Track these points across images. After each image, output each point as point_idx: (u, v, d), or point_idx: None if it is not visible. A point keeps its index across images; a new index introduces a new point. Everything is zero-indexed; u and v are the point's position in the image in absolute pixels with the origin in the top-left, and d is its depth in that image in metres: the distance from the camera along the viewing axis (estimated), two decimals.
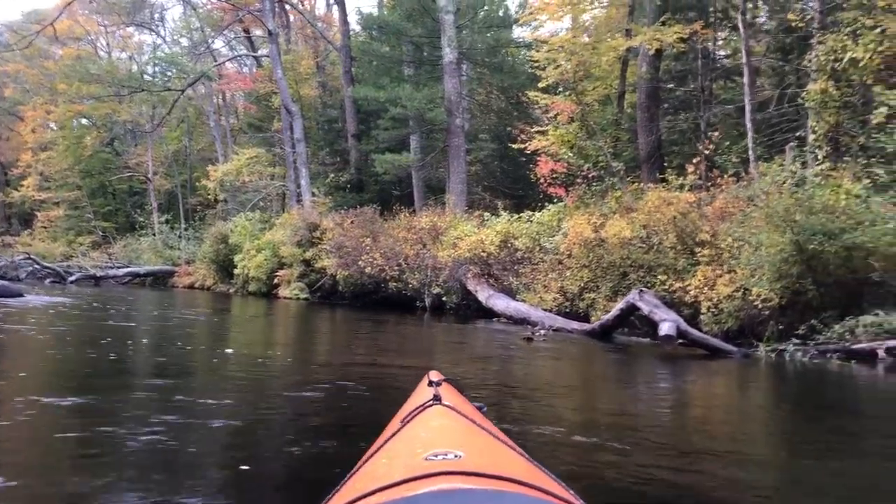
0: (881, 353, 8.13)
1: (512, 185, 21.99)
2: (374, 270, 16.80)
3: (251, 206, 25.81)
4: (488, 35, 21.33)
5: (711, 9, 18.14)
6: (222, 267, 24.41)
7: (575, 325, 11.28)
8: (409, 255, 16.61)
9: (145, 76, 37.33)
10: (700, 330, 10.94)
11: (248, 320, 14.78)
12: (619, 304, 10.11)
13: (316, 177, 24.71)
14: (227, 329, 12.35)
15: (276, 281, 21.14)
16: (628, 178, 14.86)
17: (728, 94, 18.98)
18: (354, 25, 26.18)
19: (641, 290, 9.75)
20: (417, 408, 1.88)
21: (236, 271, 22.92)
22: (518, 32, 22.54)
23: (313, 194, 22.17)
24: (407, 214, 18.52)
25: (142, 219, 35.11)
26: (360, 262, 16.97)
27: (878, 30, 11.00)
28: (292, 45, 29.14)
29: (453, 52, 19.48)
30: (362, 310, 16.60)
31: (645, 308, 9.40)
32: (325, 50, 29.27)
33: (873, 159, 10.61)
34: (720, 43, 19.87)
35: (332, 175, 24.05)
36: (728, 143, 13.58)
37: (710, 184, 12.76)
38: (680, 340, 9.00)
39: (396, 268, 16.58)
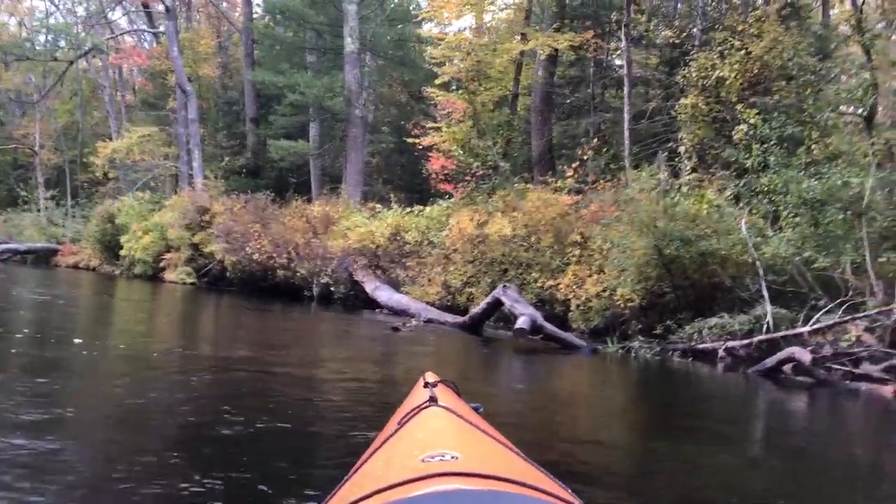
0: (721, 352, 8.75)
1: (410, 179, 22.16)
2: (261, 257, 16.62)
3: (141, 186, 24.95)
4: (393, 28, 21.39)
5: (607, 20, 18.85)
6: (108, 247, 23.54)
7: (448, 317, 11.59)
8: (300, 244, 16.52)
9: (35, 44, 35.26)
10: (570, 326, 11.49)
11: (122, 304, 14.37)
12: (487, 299, 10.46)
13: (212, 159, 24.16)
14: (94, 314, 11.95)
15: (162, 264, 20.57)
16: (516, 179, 15.27)
17: (618, 102, 19.78)
18: (259, 8, 25.72)
19: (505, 286, 10.16)
20: (414, 409, 1.87)
21: (122, 252, 22.16)
22: (428, 27, 22.74)
23: (206, 177, 21.64)
24: (301, 202, 18.38)
25: (25, 193, 33.26)
26: (247, 249, 16.75)
27: (743, 51, 11.77)
28: (194, 23, 28.30)
29: (355, 43, 19.44)
30: (249, 297, 16.40)
31: (507, 302, 9.80)
32: (227, 30, 28.57)
33: (728, 172, 11.35)
34: (618, 53, 20.68)
35: (229, 158, 23.56)
36: (606, 149, 14.20)
37: (587, 188, 13.31)
38: (540, 335, 9.41)
39: (285, 256, 16.45)
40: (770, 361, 7.79)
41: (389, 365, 7.63)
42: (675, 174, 13.21)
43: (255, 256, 16.68)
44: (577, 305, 11.47)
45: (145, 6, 26.78)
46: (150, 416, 4.36)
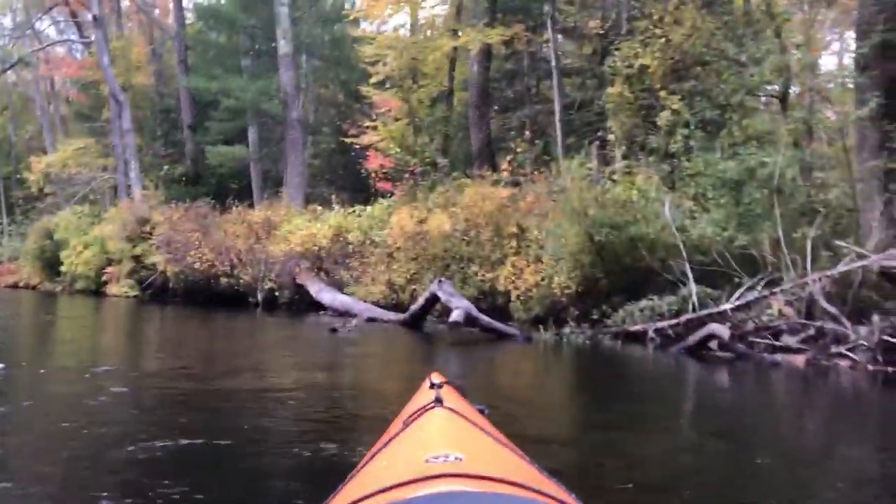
0: (651, 333, 9.01)
1: (353, 179, 22.13)
2: (203, 266, 16.45)
3: (79, 200, 24.42)
4: (327, 28, 21.30)
5: (539, 12, 19.09)
6: (48, 264, 23.05)
7: (391, 315, 11.68)
8: (242, 251, 16.40)
9: None
10: (512, 316, 11.69)
11: (63, 322, 14.08)
12: (425, 294, 10.58)
13: (151, 168, 23.75)
14: (32, 334, 11.70)
15: (104, 278, 20.22)
16: (455, 174, 15.40)
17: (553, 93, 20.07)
18: (191, 13, 25.32)
19: (440, 281, 10.29)
20: (419, 410, 1.87)
21: (63, 269, 21.72)
22: (365, 26, 22.70)
23: (145, 187, 21.29)
24: (242, 208, 18.23)
25: None
26: (188, 258, 16.57)
27: (664, 39, 12.08)
28: (125, 31, 27.74)
29: (289, 45, 19.33)
30: (194, 307, 16.21)
31: (443, 297, 9.95)
32: (161, 37, 28.08)
33: (656, 158, 11.66)
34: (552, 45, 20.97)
35: (168, 167, 23.21)
36: (539, 141, 14.43)
37: (523, 180, 13.50)
38: (476, 327, 9.58)
39: (228, 263, 16.32)
40: (692, 339, 8.07)
41: (330, 370, 7.59)
42: (607, 162, 13.49)
43: (197, 265, 16.52)
44: (518, 296, 11.66)
45: (73, 15, 26.24)
46: (86, 439, 4.11)
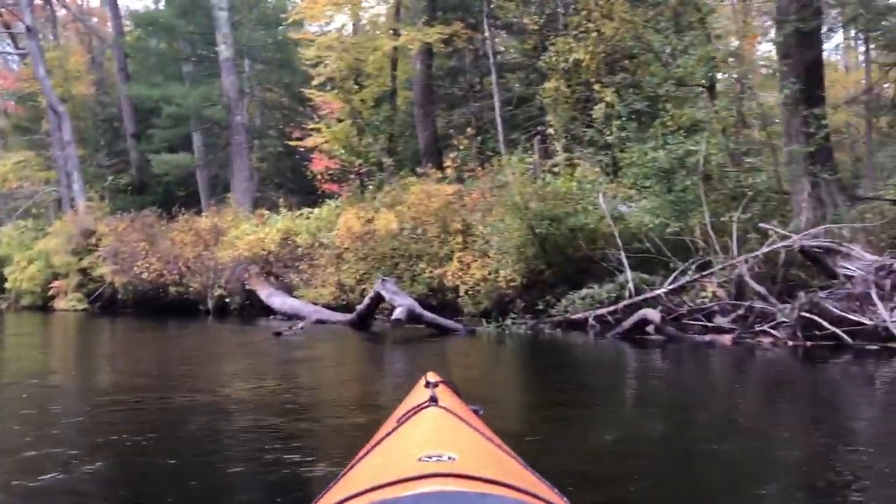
0: (591, 321, 9.26)
1: (301, 182, 22.04)
2: (151, 276, 16.29)
3: (22, 214, 23.87)
4: (269, 31, 21.17)
5: (479, 10, 19.26)
6: None
7: (339, 316, 11.77)
8: (190, 258, 16.28)
9: None
10: (461, 311, 11.88)
11: (6, 339, 13.80)
12: (370, 294, 10.69)
13: (95, 179, 23.32)
14: None
15: (51, 293, 19.82)
16: (402, 173, 15.51)
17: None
18: (129, 21, 24.91)
19: (383, 279, 10.41)
20: (413, 408, 1.86)
21: (7, 285, 21.22)
22: (309, 28, 22.59)
23: (90, 198, 20.93)
24: (188, 215, 18.06)
25: None
26: (135, 268, 16.39)
27: (596, 33, 12.36)
28: (62, 40, 27.15)
29: (230, 49, 19.19)
30: (144, 318, 16.02)
31: (386, 295, 10.06)
32: (100, 45, 27.56)
33: (594, 149, 11.94)
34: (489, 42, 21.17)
35: (112, 177, 22.83)
36: (481, 137, 14.61)
37: (467, 176, 13.67)
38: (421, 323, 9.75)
39: (176, 272, 16.19)
40: (626, 324, 8.34)
41: (277, 377, 7.44)
42: (549, 156, 13.75)
43: (145, 275, 16.35)
44: (466, 290, 11.86)
45: (6, 27, 25.52)
46: (24, 461, 3.88)
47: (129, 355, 10.17)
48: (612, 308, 9.09)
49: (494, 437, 1.81)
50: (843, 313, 7.08)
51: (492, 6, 14.79)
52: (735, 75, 12.22)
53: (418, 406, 1.86)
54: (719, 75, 13.76)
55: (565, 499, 1.44)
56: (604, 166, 11.79)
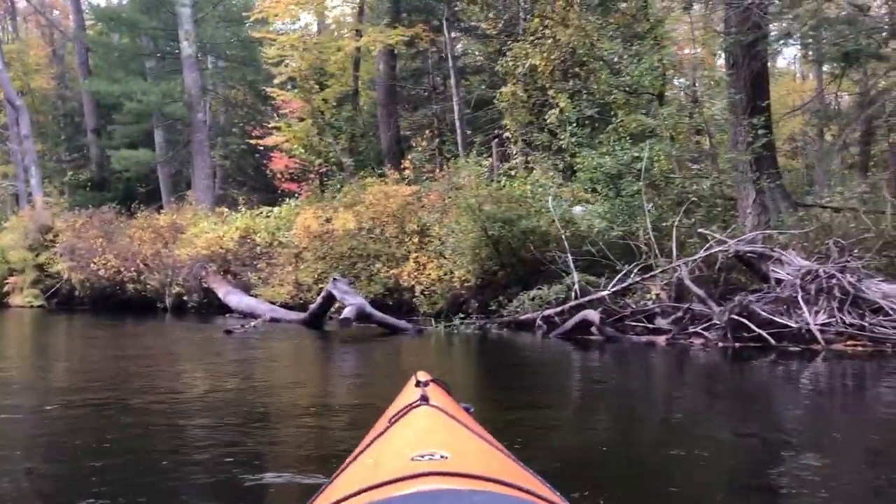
0: (538, 321, 9.49)
1: (263, 180, 22.08)
2: (109, 272, 16.22)
3: None
4: (232, 29, 21.14)
5: (441, 12, 19.46)
6: None
7: (293, 315, 11.89)
8: (148, 255, 16.24)
9: None
10: (417, 311, 12.07)
11: None
12: (322, 293, 10.83)
13: (55, 174, 23.11)
14: None
15: (6, 289, 19.59)
16: (362, 173, 15.63)
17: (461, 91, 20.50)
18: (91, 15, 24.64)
19: (335, 279, 10.54)
20: (404, 408, 1.85)
21: None
22: (273, 26, 22.56)
23: (48, 194, 20.73)
24: (148, 212, 18.00)
25: None
26: (92, 265, 16.30)
27: (552, 39, 12.62)
28: (23, 33, 26.79)
29: (192, 46, 19.14)
30: (102, 314, 15.92)
31: (338, 294, 10.19)
32: (61, 39, 27.23)
33: (548, 153, 12.20)
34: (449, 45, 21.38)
35: (72, 173, 22.63)
36: (440, 139, 14.81)
37: (425, 177, 13.86)
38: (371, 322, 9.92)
39: (134, 269, 16.13)
40: (568, 325, 8.59)
41: (229, 375, 7.44)
42: (507, 159, 13.99)
43: (102, 272, 16.28)
44: (422, 291, 12.05)
45: None
46: None
47: (83, 352, 10.14)
48: (559, 309, 9.33)
49: (486, 435, 1.81)
50: (770, 316, 7.40)
51: (455, 9, 14.95)
52: (686, 83, 12.57)
53: (409, 405, 1.85)
54: (676, 82, 14.20)
55: (558, 493, 1.44)
56: (560, 170, 12.04)
